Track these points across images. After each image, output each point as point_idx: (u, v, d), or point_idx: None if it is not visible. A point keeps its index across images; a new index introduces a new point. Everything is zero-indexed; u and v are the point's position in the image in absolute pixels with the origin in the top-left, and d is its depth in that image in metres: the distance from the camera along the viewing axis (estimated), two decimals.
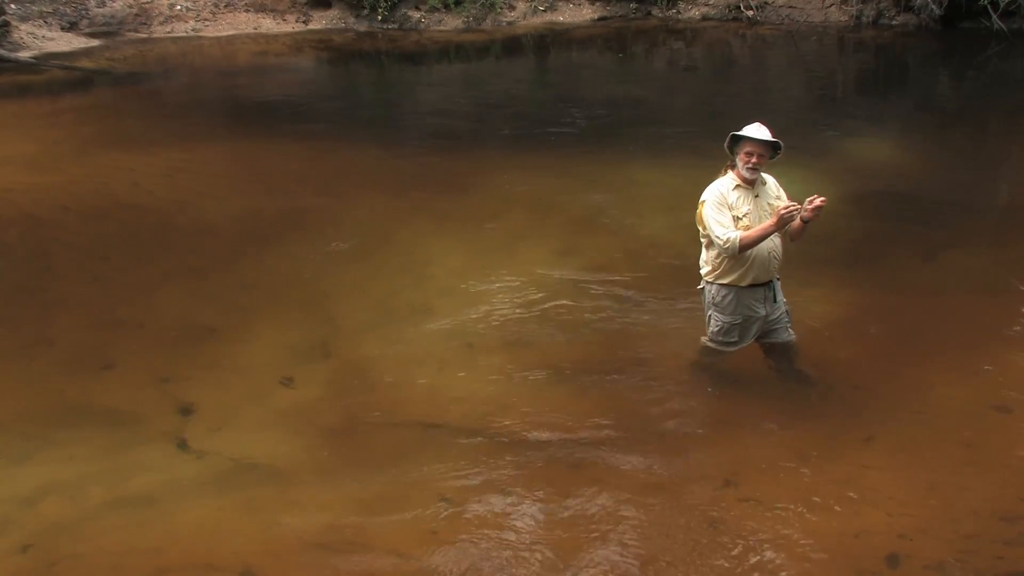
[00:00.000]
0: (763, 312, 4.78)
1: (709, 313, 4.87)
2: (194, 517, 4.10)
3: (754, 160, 4.51)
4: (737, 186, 4.59)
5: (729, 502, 4.10)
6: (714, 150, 4.97)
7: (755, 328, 4.83)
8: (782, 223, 4.37)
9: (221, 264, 6.80)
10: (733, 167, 4.62)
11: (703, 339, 5.02)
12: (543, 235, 7.16)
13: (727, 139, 4.57)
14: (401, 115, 12.13)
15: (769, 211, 4.57)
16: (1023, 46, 14.17)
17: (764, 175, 4.69)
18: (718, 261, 4.69)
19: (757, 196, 4.60)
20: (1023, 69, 13.51)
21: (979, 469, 4.28)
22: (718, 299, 4.78)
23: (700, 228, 4.68)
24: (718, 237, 4.52)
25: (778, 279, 4.83)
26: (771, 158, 4.59)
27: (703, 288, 4.87)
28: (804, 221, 4.49)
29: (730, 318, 4.78)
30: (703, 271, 4.81)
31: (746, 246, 4.49)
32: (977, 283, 6.14)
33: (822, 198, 4.38)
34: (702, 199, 4.62)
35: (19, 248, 7.23)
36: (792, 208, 4.31)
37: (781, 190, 4.76)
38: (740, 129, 4.54)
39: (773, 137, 4.52)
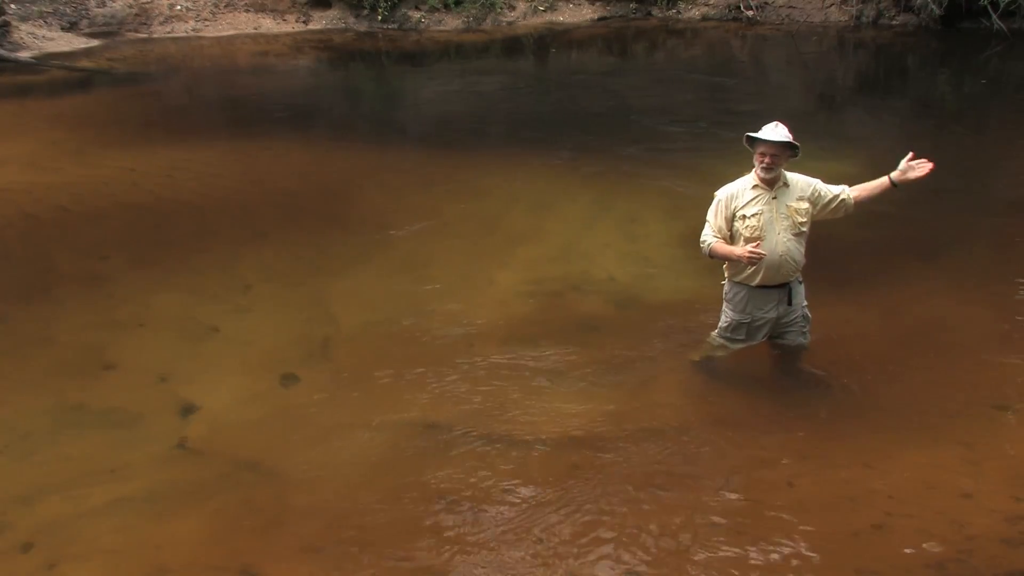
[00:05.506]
0: (773, 315, 4.78)
1: (723, 308, 4.90)
2: (194, 517, 4.10)
3: (767, 160, 4.50)
4: (755, 185, 4.59)
5: (729, 502, 4.10)
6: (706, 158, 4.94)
7: (764, 330, 4.84)
8: (747, 262, 4.51)
9: (221, 264, 6.80)
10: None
11: (712, 333, 5.03)
12: (543, 237, 7.16)
13: (744, 139, 4.57)
14: (401, 115, 12.13)
15: (787, 213, 4.57)
16: (1023, 46, 14.17)
17: (795, 176, 4.67)
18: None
19: (775, 198, 4.59)
20: (1023, 69, 13.51)
21: (979, 469, 4.28)
22: (731, 295, 4.83)
23: None
24: (702, 236, 4.70)
25: (801, 283, 4.82)
26: (790, 158, 4.58)
27: (724, 283, 4.89)
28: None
29: (739, 316, 4.81)
30: (724, 266, 4.84)
31: (714, 255, 4.67)
32: (977, 283, 6.15)
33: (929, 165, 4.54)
34: (715, 195, 4.66)
35: (19, 248, 7.23)
36: (755, 254, 4.43)
37: (818, 191, 4.67)
38: (758, 129, 4.51)
39: (790, 137, 4.49)
